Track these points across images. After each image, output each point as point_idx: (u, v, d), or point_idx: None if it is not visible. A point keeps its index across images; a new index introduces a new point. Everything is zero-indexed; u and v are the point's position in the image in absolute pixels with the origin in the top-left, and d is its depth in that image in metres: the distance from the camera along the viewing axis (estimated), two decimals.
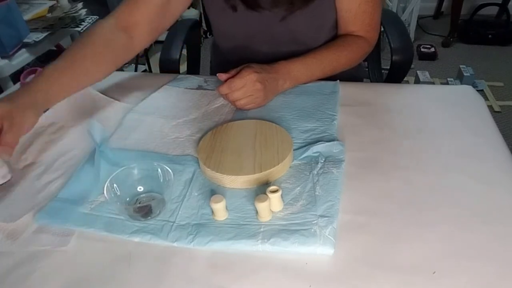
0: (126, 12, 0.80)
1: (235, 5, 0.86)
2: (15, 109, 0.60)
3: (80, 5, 1.86)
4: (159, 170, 0.60)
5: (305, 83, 0.84)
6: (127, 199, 0.60)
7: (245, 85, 0.73)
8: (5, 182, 0.65)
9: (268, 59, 0.95)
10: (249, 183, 0.62)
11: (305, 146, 0.69)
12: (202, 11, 1.04)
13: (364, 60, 1.10)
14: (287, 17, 0.85)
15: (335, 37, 0.92)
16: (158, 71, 1.08)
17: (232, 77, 0.75)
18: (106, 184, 0.58)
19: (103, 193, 0.57)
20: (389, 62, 0.99)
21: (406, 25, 2.82)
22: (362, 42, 0.88)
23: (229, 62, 1.05)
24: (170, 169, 0.60)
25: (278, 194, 0.56)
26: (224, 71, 1.08)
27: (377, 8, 0.86)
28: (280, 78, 0.79)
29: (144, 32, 0.83)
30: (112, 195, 0.58)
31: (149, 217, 0.58)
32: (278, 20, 0.86)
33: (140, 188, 0.61)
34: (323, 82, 0.86)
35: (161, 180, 0.60)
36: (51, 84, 0.68)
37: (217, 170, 0.62)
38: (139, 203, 0.59)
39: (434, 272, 0.49)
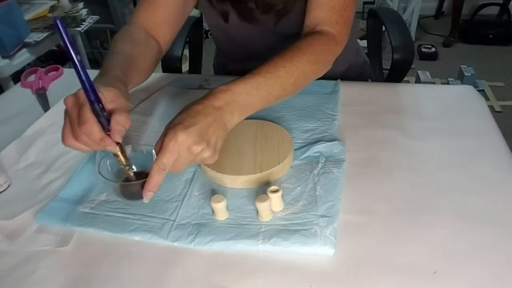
0: (148, 15, 0.78)
1: (227, 15, 0.85)
2: (118, 93, 0.55)
3: (81, 5, 1.86)
4: (153, 151, 0.58)
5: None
6: (120, 180, 0.60)
7: (179, 156, 0.53)
8: (3, 191, 0.65)
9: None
10: (249, 183, 0.62)
11: (305, 146, 0.69)
12: (202, 10, 1.04)
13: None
14: (279, 22, 0.84)
15: None
16: (159, 71, 1.08)
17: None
18: (100, 162, 0.58)
19: (97, 171, 0.57)
20: (390, 62, 0.99)
21: (407, 25, 2.81)
22: (326, 39, 0.70)
23: (230, 60, 1.05)
24: None
25: (279, 194, 0.56)
26: (226, 68, 1.09)
27: (351, 1, 0.73)
28: (222, 114, 0.56)
29: (167, 33, 0.81)
30: (106, 173, 0.58)
31: (142, 198, 0.58)
32: (271, 26, 0.86)
33: (134, 168, 0.60)
34: (323, 82, 0.85)
35: (154, 159, 0.60)
36: (119, 80, 0.61)
37: (218, 170, 0.62)
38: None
39: (434, 272, 0.49)
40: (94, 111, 0.51)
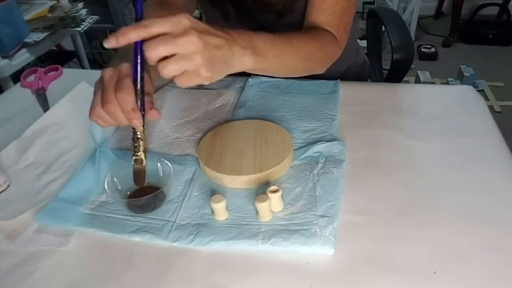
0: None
1: (228, 13, 0.85)
2: (149, 79, 0.55)
3: (80, 5, 1.86)
4: (158, 164, 0.61)
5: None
6: (128, 193, 0.60)
7: (173, 34, 0.46)
8: (3, 191, 0.65)
9: None
10: (249, 183, 0.62)
11: (305, 146, 0.69)
12: (202, 10, 1.04)
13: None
14: (279, 22, 0.84)
15: None
16: None
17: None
18: (107, 178, 0.58)
19: (104, 187, 0.57)
20: (389, 62, 0.99)
21: (407, 25, 2.82)
22: (332, 38, 0.73)
23: None
24: (172, 168, 0.60)
25: (279, 194, 0.56)
26: None
27: (351, 8, 0.75)
28: (235, 44, 0.52)
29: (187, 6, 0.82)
30: (113, 189, 0.58)
31: (149, 211, 0.58)
32: (271, 25, 0.85)
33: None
34: (323, 82, 0.86)
35: (161, 174, 0.61)
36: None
37: (218, 170, 0.62)
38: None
39: (434, 272, 0.49)
40: (135, 87, 0.51)
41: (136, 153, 0.55)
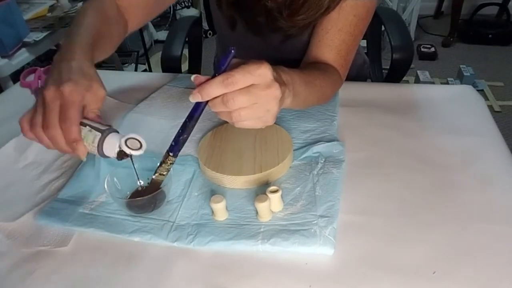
0: None
1: (235, 24, 0.85)
2: (95, 82, 0.53)
3: (80, 4, 1.86)
4: (158, 164, 0.61)
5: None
6: (128, 193, 0.61)
7: (254, 85, 0.47)
8: None
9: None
10: (249, 183, 0.62)
11: (305, 146, 0.69)
12: (203, 11, 1.03)
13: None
14: (285, 42, 0.84)
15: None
16: (159, 71, 1.08)
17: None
18: (107, 178, 0.58)
19: (104, 187, 0.57)
20: (389, 62, 0.99)
21: (406, 25, 2.82)
22: (338, 75, 0.75)
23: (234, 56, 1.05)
24: (172, 168, 0.60)
25: (278, 194, 0.56)
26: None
27: (355, 46, 0.76)
28: (285, 88, 0.53)
29: (139, 17, 0.78)
30: (113, 190, 0.58)
31: (149, 211, 0.58)
32: (276, 43, 0.85)
33: (140, 183, 0.61)
34: None
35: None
36: (89, 58, 0.57)
37: (217, 171, 0.62)
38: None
39: (434, 272, 0.49)
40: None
41: (161, 173, 0.57)
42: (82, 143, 0.50)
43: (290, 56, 0.86)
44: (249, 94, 0.47)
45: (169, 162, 0.55)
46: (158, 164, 0.56)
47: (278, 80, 0.49)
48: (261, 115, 0.49)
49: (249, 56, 0.91)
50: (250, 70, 0.47)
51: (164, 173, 0.57)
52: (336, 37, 0.73)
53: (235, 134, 0.70)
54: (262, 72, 0.47)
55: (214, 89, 0.47)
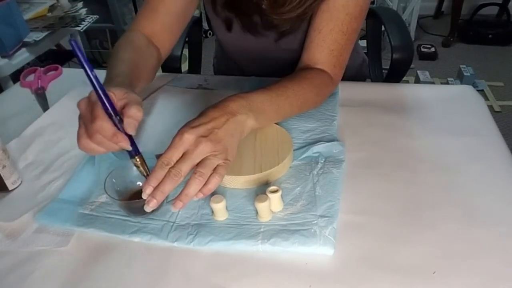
0: (148, 23, 0.78)
1: (231, 24, 0.86)
2: (128, 90, 0.56)
3: (80, 4, 1.86)
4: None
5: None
6: (126, 194, 0.60)
7: (186, 151, 0.52)
8: (15, 188, 0.65)
9: (265, 67, 0.94)
10: (249, 183, 0.62)
11: (305, 146, 0.69)
12: (203, 11, 1.03)
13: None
14: (279, 40, 0.85)
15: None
16: (159, 70, 1.08)
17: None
18: (106, 179, 0.58)
19: (103, 188, 0.57)
20: (389, 62, 0.99)
21: (406, 25, 2.82)
22: (326, 77, 0.74)
23: (233, 58, 1.05)
24: None
25: (278, 194, 0.56)
26: (228, 66, 1.09)
27: (349, 45, 0.75)
28: (237, 115, 0.57)
29: (167, 41, 0.82)
30: (112, 191, 0.58)
31: (149, 212, 0.58)
32: (272, 40, 0.86)
33: (139, 184, 0.61)
34: None
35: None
36: (127, 86, 0.61)
37: None
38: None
39: (434, 272, 0.49)
40: (107, 112, 0.51)
41: (144, 175, 0.57)
42: (122, 135, 0.52)
43: (286, 55, 0.87)
44: (185, 161, 0.51)
45: (139, 163, 0.56)
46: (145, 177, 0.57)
47: (204, 132, 0.53)
48: (214, 163, 0.53)
49: (247, 57, 0.91)
50: (171, 147, 0.52)
51: (146, 174, 0.57)
52: (328, 37, 0.73)
53: None
54: (180, 141, 0.52)
55: (157, 173, 0.51)
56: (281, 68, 0.84)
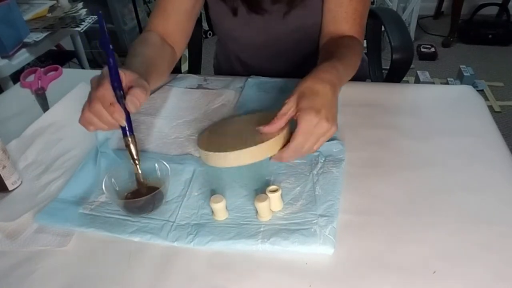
0: (161, 23, 0.81)
1: (236, 8, 0.86)
2: (140, 77, 0.58)
3: (80, 5, 1.86)
4: (156, 164, 0.61)
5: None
6: (126, 194, 0.60)
7: (312, 134, 0.57)
8: (15, 188, 0.65)
9: (272, 55, 0.93)
10: (253, 156, 0.58)
11: None
12: (203, 11, 1.04)
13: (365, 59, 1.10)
14: (289, 14, 0.85)
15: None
16: None
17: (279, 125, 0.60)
18: (105, 179, 0.58)
19: (102, 187, 0.57)
20: (389, 62, 0.99)
21: (406, 25, 2.82)
22: (358, 42, 0.80)
23: (234, 57, 1.05)
24: (170, 168, 0.60)
25: (278, 193, 0.56)
26: (230, 66, 1.09)
27: (367, 10, 0.82)
28: (337, 89, 0.62)
29: (180, 39, 0.85)
30: (111, 190, 0.58)
31: (148, 211, 0.58)
32: (279, 18, 0.86)
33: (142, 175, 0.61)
34: None
35: (159, 175, 0.61)
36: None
37: (220, 151, 0.59)
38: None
39: (434, 272, 0.49)
40: (113, 86, 0.53)
41: (135, 164, 0.57)
42: (118, 106, 0.53)
43: (295, 31, 0.88)
44: (312, 141, 0.57)
45: (130, 142, 0.56)
46: (131, 160, 0.57)
47: (323, 114, 0.56)
48: (319, 141, 0.58)
49: (252, 45, 0.92)
50: (306, 130, 0.56)
51: (137, 161, 0.57)
52: (349, 8, 0.78)
53: (234, 124, 0.71)
54: (312, 127, 0.56)
55: (291, 155, 0.58)
56: (289, 54, 0.84)
